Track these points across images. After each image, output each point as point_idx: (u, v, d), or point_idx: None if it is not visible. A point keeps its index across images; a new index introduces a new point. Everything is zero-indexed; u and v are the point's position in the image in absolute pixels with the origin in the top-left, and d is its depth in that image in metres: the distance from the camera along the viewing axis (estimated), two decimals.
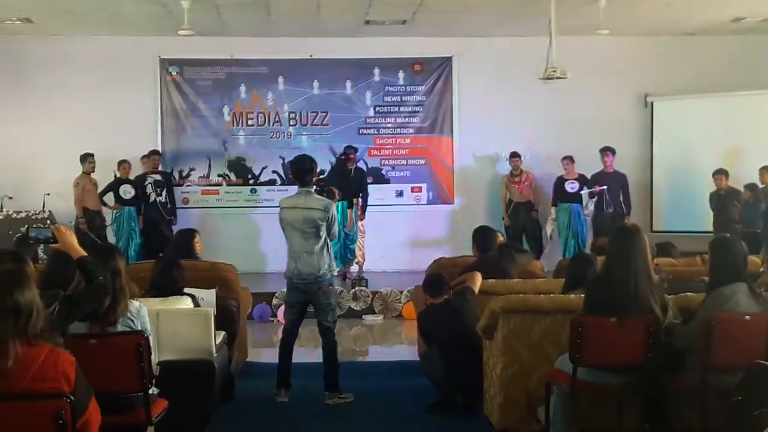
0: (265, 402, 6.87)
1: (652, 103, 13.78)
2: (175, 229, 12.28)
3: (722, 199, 11.88)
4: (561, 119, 13.54)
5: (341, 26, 12.87)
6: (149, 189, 12.52)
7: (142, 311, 4.87)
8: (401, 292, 11.29)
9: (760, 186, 11.56)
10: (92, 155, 12.26)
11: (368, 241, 12.79)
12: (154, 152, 12.88)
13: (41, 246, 7.92)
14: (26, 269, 3.71)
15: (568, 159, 12.92)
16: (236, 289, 7.62)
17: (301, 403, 6.85)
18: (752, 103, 13.00)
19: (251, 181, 13.88)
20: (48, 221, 11.74)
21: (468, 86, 13.83)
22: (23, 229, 10.28)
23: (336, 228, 6.97)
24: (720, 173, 12.04)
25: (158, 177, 12.72)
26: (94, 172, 12.33)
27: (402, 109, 13.99)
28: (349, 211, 12.34)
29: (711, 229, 11.87)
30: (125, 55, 13.38)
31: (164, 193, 12.70)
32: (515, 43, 13.33)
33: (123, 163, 12.50)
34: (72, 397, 3.25)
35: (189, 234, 7.82)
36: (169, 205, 12.80)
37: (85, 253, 4.26)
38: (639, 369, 5.14)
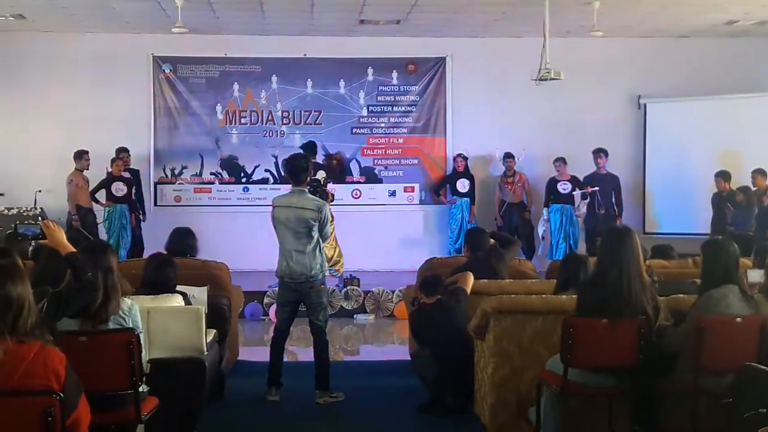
0: (256, 400, 6.86)
1: (645, 105, 13.79)
2: (144, 227, 12.61)
3: (722, 201, 11.87)
4: (554, 120, 13.53)
5: (335, 25, 12.86)
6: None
7: (134, 309, 4.84)
8: (393, 292, 11.26)
9: (753, 188, 11.56)
10: (87, 152, 12.15)
11: (360, 240, 12.75)
12: (122, 150, 12.59)
13: (32, 243, 7.89)
14: (19, 264, 3.69)
15: (561, 160, 12.90)
16: (227, 288, 7.59)
17: (292, 402, 6.85)
18: (745, 105, 13.03)
19: (244, 180, 13.87)
20: (39, 218, 11.70)
21: (461, 87, 13.82)
22: (14, 226, 10.23)
23: (328, 228, 6.99)
24: (718, 176, 12.00)
25: (126, 174, 12.57)
26: (88, 169, 12.24)
27: (395, 108, 13.97)
28: None
29: (703, 231, 11.87)
30: (118, 53, 13.34)
31: (133, 191, 12.56)
32: (509, 43, 13.36)
33: (116, 160, 12.41)
34: (61, 395, 3.22)
35: (190, 232, 7.74)
36: (138, 203, 12.72)
37: (74, 250, 4.22)
38: (630, 371, 5.12)
